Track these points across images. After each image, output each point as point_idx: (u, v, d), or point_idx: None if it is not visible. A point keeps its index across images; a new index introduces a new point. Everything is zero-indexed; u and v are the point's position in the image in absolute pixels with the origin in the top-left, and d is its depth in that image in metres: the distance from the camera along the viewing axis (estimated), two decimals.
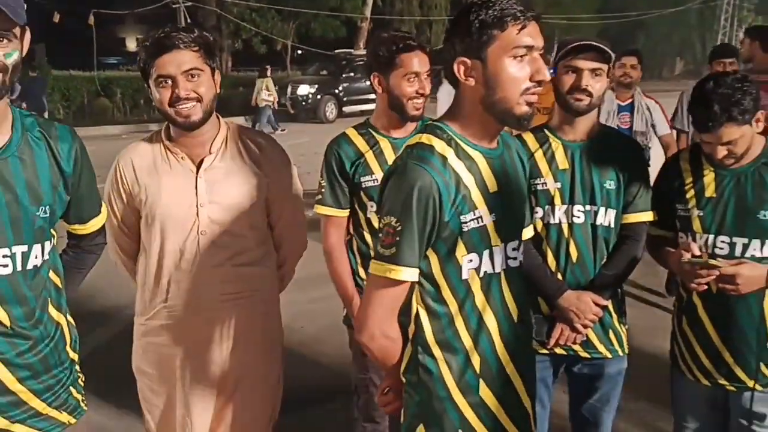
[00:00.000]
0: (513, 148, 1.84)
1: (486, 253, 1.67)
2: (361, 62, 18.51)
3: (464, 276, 1.66)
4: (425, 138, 1.67)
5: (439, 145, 1.64)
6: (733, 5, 33.37)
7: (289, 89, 18.95)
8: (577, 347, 2.35)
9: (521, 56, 1.57)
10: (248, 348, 2.27)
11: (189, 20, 21.23)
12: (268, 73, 17.10)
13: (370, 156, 2.44)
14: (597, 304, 2.28)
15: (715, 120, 2.05)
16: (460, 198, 1.61)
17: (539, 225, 2.31)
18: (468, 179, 1.64)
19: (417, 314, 1.69)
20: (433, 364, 1.68)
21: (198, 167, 2.17)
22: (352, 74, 19.50)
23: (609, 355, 2.38)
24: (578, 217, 2.30)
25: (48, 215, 1.76)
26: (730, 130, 2.06)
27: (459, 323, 1.68)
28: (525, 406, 1.80)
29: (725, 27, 33.44)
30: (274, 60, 28.03)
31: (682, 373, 2.36)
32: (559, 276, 2.32)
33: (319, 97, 18.73)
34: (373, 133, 2.50)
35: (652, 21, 33.84)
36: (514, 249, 1.75)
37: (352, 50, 23.00)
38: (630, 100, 4.78)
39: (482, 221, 1.65)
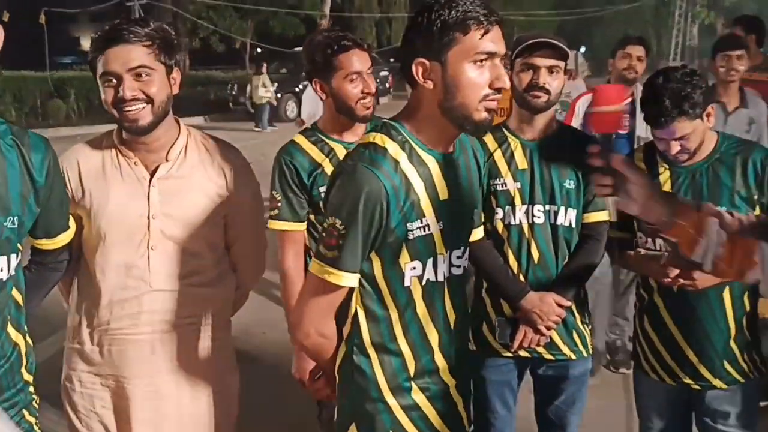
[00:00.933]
0: (469, 149, 1.79)
1: (430, 261, 1.63)
2: None
3: (406, 283, 1.62)
4: (379, 139, 1.60)
5: (393, 148, 1.58)
6: (686, 1, 33.98)
7: (249, 88, 18.72)
8: (541, 349, 2.32)
9: (482, 61, 1.52)
10: (202, 380, 2.07)
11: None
12: (264, 69, 16.90)
13: (327, 165, 2.30)
14: (560, 305, 2.25)
15: (666, 115, 2.04)
16: (409, 205, 1.57)
17: (500, 226, 2.27)
18: (419, 186, 1.59)
19: (355, 315, 1.66)
20: (367, 364, 1.66)
21: (152, 175, 1.97)
22: None
23: (573, 357, 2.35)
24: (538, 217, 2.27)
25: (16, 227, 1.63)
26: (682, 125, 2.06)
27: (398, 330, 1.65)
28: (458, 410, 1.79)
29: (679, 23, 34.03)
30: (234, 59, 27.71)
31: (646, 373, 2.35)
32: (521, 277, 2.28)
33: (278, 95, 18.54)
34: (326, 139, 2.36)
35: (608, 17, 34.33)
36: (458, 257, 1.72)
37: None
38: (630, 99, 4.12)
39: (429, 230, 1.61)
